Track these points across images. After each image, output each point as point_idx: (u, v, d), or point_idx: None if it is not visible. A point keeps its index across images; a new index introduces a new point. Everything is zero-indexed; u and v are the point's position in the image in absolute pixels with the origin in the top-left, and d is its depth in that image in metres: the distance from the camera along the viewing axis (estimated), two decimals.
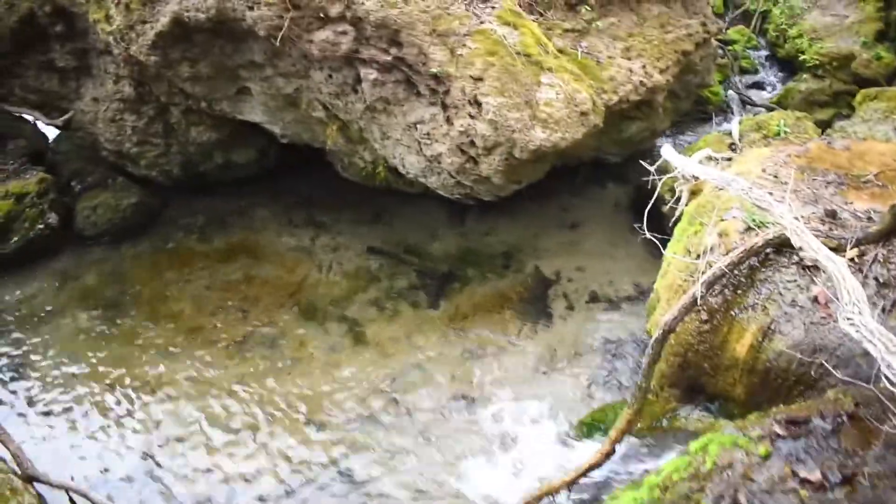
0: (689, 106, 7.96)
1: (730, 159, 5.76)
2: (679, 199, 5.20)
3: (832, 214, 4.31)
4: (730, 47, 9.92)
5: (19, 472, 4.10)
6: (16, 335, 6.10)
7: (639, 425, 4.45)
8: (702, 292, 4.00)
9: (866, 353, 3.50)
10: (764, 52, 10.38)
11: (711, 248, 4.28)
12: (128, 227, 7.30)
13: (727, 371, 4.23)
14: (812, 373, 3.73)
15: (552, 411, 5.18)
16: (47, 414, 5.33)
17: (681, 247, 4.72)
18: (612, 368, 5.48)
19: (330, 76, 5.91)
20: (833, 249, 3.76)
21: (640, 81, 6.23)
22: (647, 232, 4.34)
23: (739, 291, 4.15)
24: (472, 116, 5.42)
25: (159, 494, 4.75)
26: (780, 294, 4.00)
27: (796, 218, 3.84)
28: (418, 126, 5.72)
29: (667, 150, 5.22)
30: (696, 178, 4.94)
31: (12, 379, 5.65)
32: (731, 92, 9.28)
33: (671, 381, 4.59)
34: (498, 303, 6.19)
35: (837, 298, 3.43)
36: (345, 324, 6.08)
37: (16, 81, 7.46)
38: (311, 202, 7.55)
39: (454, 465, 4.86)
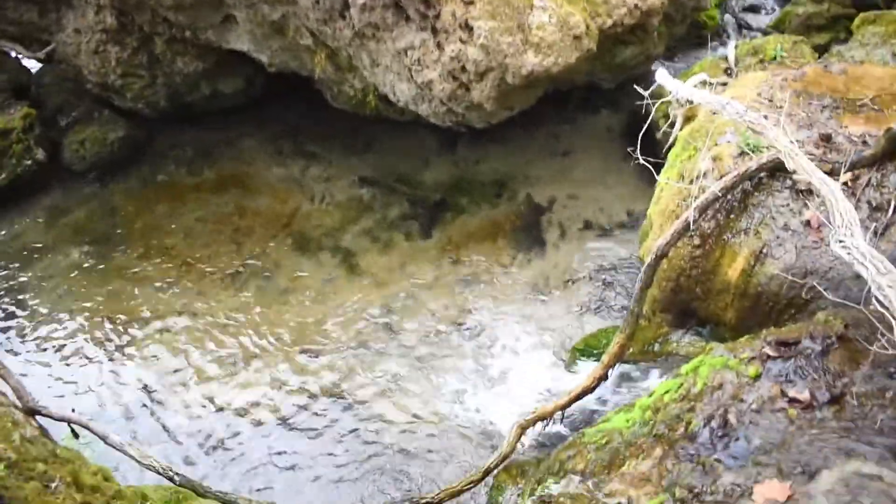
0: (685, 30, 7.80)
1: (725, 84, 5.69)
2: (673, 124, 5.14)
3: (827, 138, 4.28)
4: None
5: (20, 406, 4.14)
6: (8, 272, 6.09)
7: (631, 350, 4.50)
8: (695, 217, 4.00)
9: (857, 276, 3.53)
10: None
11: (705, 173, 4.26)
12: (116, 161, 7.22)
13: (719, 295, 4.27)
14: (803, 296, 3.76)
15: (545, 337, 5.24)
16: (43, 350, 5.38)
17: (674, 172, 4.70)
18: (604, 295, 5.52)
19: (317, 1, 5.77)
20: (827, 173, 3.74)
21: (635, 4, 6.08)
22: (640, 157, 4.30)
23: (732, 216, 4.16)
24: (463, 41, 5.31)
25: (157, 427, 4.84)
26: (773, 218, 4.00)
27: (791, 141, 3.81)
28: (408, 52, 5.61)
29: (661, 75, 5.13)
30: (691, 103, 4.87)
31: (7, 315, 5.68)
32: (727, 16, 9.09)
33: (663, 306, 4.64)
34: (491, 231, 6.19)
35: (830, 222, 3.43)
36: (338, 254, 6.08)
37: None
38: (300, 132, 7.46)
39: (448, 390, 4.94)
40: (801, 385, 2.94)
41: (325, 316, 5.53)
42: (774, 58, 6.32)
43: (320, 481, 4.46)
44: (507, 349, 5.18)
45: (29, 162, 6.86)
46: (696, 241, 4.26)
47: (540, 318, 5.39)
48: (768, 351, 3.11)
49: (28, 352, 5.36)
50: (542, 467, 3.74)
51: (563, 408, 4.28)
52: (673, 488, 2.77)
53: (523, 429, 4.21)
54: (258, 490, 4.42)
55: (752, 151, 4.18)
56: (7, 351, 5.32)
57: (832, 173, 3.79)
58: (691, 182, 4.31)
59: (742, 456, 2.77)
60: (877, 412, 2.75)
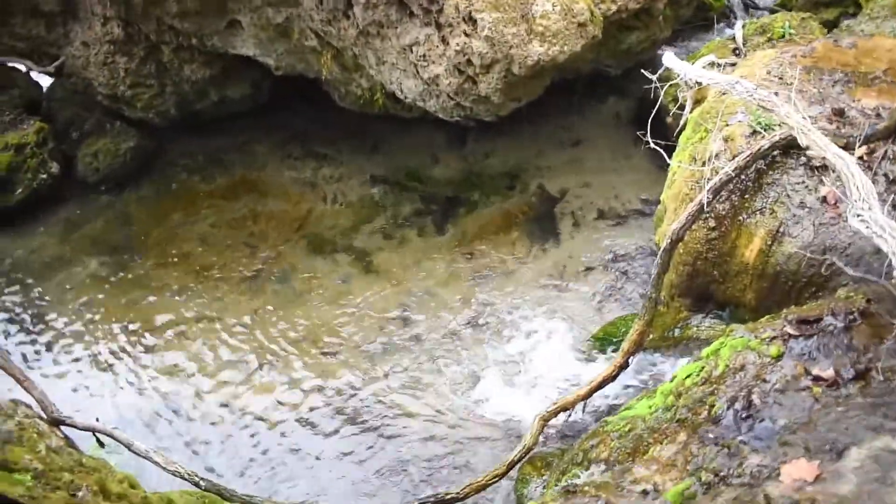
0: (691, 13, 7.74)
1: (734, 64, 5.64)
2: (683, 106, 5.10)
3: (840, 113, 4.23)
4: None
5: (45, 417, 4.18)
6: (29, 285, 6.14)
7: (651, 336, 4.47)
8: (709, 199, 3.97)
9: (877, 250, 3.49)
10: None
11: (717, 154, 4.23)
12: (129, 171, 7.25)
13: (737, 277, 4.23)
14: (822, 273, 3.72)
15: (564, 328, 5.22)
16: (65, 361, 5.41)
17: (686, 155, 4.66)
18: (621, 283, 5.50)
19: (320, 2, 5.77)
20: (842, 148, 3.69)
21: None
22: (651, 141, 4.27)
23: (747, 196, 4.12)
24: (467, 35, 5.30)
25: (180, 433, 4.85)
26: (789, 196, 3.97)
27: (803, 117, 3.77)
28: (413, 48, 5.60)
29: (668, 58, 5.09)
30: (700, 85, 4.84)
31: (29, 328, 5.71)
32: None
33: (681, 290, 4.60)
34: (504, 224, 6.17)
35: (847, 197, 3.39)
36: (353, 254, 6.09)
37: (2, 31, 7.31)
38: (309, 134, 7.46)
39: (469, 386, 4.93)
40: (824, 363, 2.90)
41: (342, 316, 5.53)
42: (783, 35, 6.26)
43: (344, 480, 4.46)
44: (525, 341, 5.17)
45: (44, 176, 6.89)
46: (712, 223, 4.22)
47: (557, 309, 5.36)
48: (790, 330, 3.08)
49: (50, 364, 5.40)
50: (566, 458, 3.73)
51: (585, 398, 4.26)
52: (698, 472, 2.74)
53: (545, 420, 4.20)
54: (282, 492, 4.43)
55: (765, 130, 4.14)
56: (29, 363, 5.36)
57: (847, 148, 3.74)
58: (704, 164, 4.28)
59: (768, 437, 2.74)
60: None
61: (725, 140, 4.32)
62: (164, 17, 6.50)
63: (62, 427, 3.94)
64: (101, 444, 4.33)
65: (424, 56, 5.60)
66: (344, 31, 5.89)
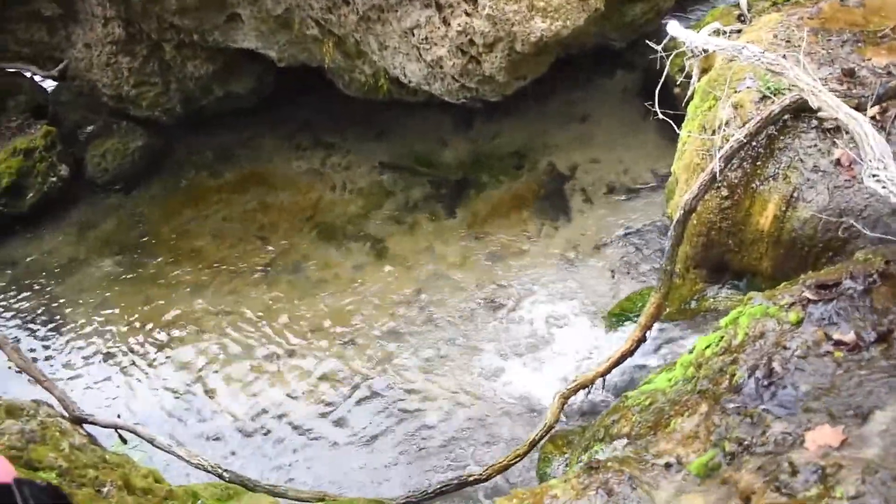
0: None
1: (739, 31, 5.55)
2: (690, 76, 5.03)
3: (850, 73, 4.15)
4: None
5: (67, 416, 4.21)
6: (46, 287, 6.19)
7: (667, 309, 4.44)
8: (720, 167, 3.91)
9: (895, 210, 3.44)
10: None
11: (727, 122, 4.16)
12: (138, 171, 7.29)
13: (752, 245, 4.18)
14: (839, 236, 3.67)
15: (580, 305, 5.19)
16: (84, 360, 5.46)
17: (695, 125, 4.60)
18: (635, 256, 5.46)
19: None
20: (854, 108, 3.63)
21: None
22: (659, 113, 4.21)
23: (759, 163, 4.06)
24: (468, 14, 5.25)
25: (200, 426, 4.88)
26: (801, 160, 3.90)
27: (813, 79, 3.70)
28: (415, 31, 5.56)
29: (673, 27, 5.01)
30: (706, 53, 4.76)
31: (48, 329, 5.76)
32: None
33: (696, 261, 4.56)
34: (515, 204, 6.14)
35: (861, 158, 3.34)
36: (365, 241, 6.08)
37: (6, 37, 7.33)
38: (315, 124, 7.45)
39: (486, 365, 4.92)
40: (845, 326, 2.86)
41: (358, 303, 5.53)
42: None
43: (365, 466, 4.48)
44: (541, 320, 5.15)
45: (54, 179, 6.94)
46: (724, 192, 4.17)
47: (572, 287, 5.34)
48: (809, 295, 3.03)
49: (70, 363, 5.44)
50: (587, 435, 3.72)
51: (604, 374, 4.24)
52: (722, 443, 2.72)
53: (565, 398, 4.19)
54: (307, 480, 4.45)
55: (774, 94, 4.07)
56: (49, 364, 5.40)
57: (859, 108, 3.67)
58: (714, 132, 4.21)
59: (790, 404, 2.71)
60: None
61: (735, 107, 4.26)
62: (163, 14, 6.48)
63: (84, 425, 3.97)
64: (124, 441, 4.37)
65: (426, 38, 5.55)
66: (344, 18, 5.86)
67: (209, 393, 5.09)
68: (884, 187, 2.91)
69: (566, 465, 3.83)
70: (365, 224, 6.25)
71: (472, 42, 5.39)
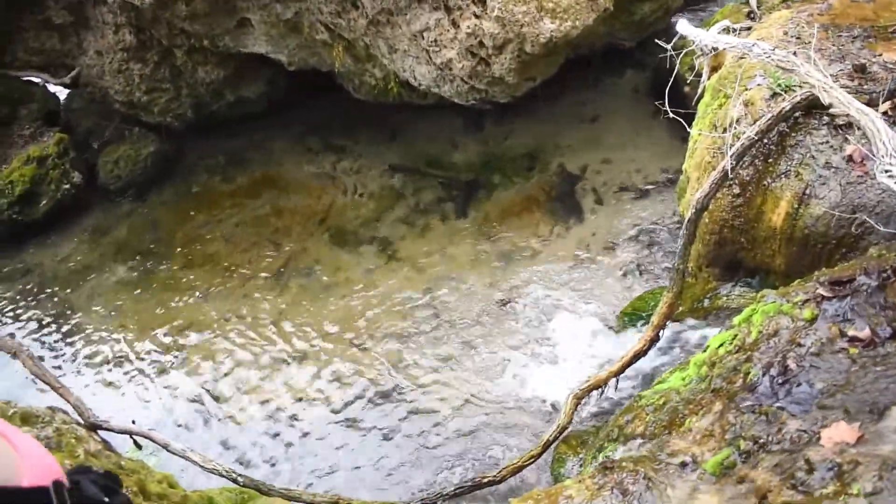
0: None
1: (749, 28, 5.53)
2: (700, 74, 5.02)
3: (861, 69, 4.13)
4: None
5: (82, 422, 4.23)
6: (60, 294, 6.23)
7: (680, 308, 4.42)
8: (732, 165, 3.90)
9: None
10: None
11: (738, 120, 4.15)
12: (150, 176, 7.33)
13: (765, 243, 4.16)
14: (852, 232, 3.65)
15: (592, 306, 5.18)
16: (99, 366, 5.49)
17: (706, 123, 4.59)
18: (647, 256, 5.44)
19: None
20: (865, 104, 3.61)
21: None
22: (669, 111, 4.20)
23: (770, 160, 4.04)
24: (477, 16, 5.26)
25: (214, 432, 4.90)
26: (813, 157, 3.88)
27: (824, 75, 3.68)
28: (424, 34, 5.57)
29: (682, 25, 5.01)
30: (716, 51, 4.75)
31: (62, 335, 5.80)
32: None
33: (708, 260, 4.54)
34: (526, 205, 6.14)
35: (873, 154, 3.32)
36: (377, 244, 6.09)
37: (18, 45, 7.39)
38: (325, 128, 7.47)
39: (499, 367, 4.91)
40: (860, 323, 2.85)
41: (371, 306, 5.54)
42: None
43: (382, 469, 4.48)
44: (554, 321, 5.14)
45: (67, 186, 6.98)
46: (736, 189, 4.15)
47: (584, 287, 5.33)
48: (822, 292, 3.02)
49: (84, 370, 5.47)
50: (601, 435, 3.71)
51: (617, 374, 4.23)
52: (737, 441, 2.71)
53: (578, 399, 4.17)
54: (321, 483, 4.45)
55: (785, 91, 4.06)
56: (63, 370, 5.44)
57: (871, 104, 3.66)
58: (725, 130, 4.20)
59: (806, 401, 2.69)
60: None
61: (745, 104, 4.24)
62: (174, 20, 6.52)
63: (99, 431, 3.99)
64: (139, 447, 4.38)
65: (436, 41, 5.56)
66: (354, 22, 5.88)
67: (222, 397, 5.11)
68: None
69: (580, 466, 3.82)
70: (376, 227, 6.26)
71: (481, 44, 5.40)
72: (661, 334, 4.23)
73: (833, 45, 4.40)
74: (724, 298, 4.51)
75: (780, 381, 2.81)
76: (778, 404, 2.73)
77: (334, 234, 6.28)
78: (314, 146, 7.33)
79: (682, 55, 4.93)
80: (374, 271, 5.85)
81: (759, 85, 4.31)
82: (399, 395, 4.90)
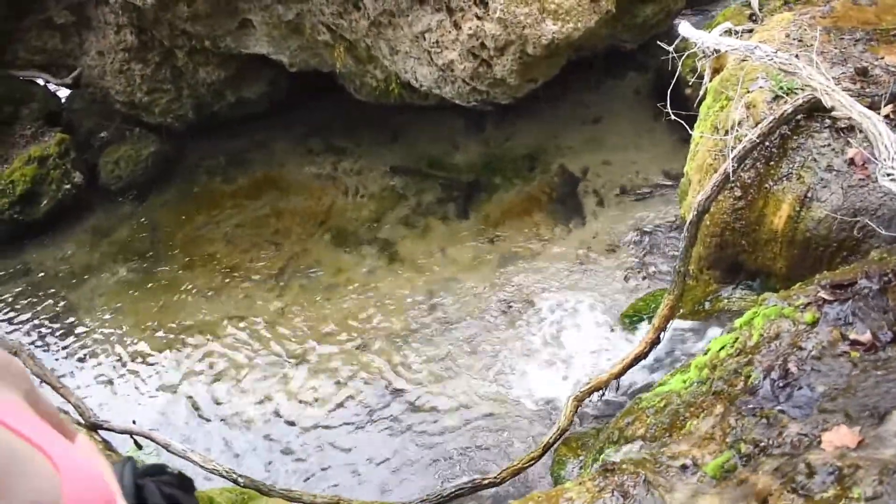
0: None
1: (751, 31, 5.53)
2: (701, 76, 5.02)
3: (863, 72, 4.13)
4: None
5: (83, 422, 4.24)
6: (60, 294, 6.22)
7: (681, 310, 4.42)
8: (733, 167, 3.89)
9: None
10: None
11: (740, 122, 4.14)
12: (151, 177, 7.33)
13: (766, 246, 4.16)
14: (854, 235, 3.64)
15: (593, 307, 5.18)
16: (100, 366, 5.49)
17: (708, 125, 4.58)
18: (648, 258, 5.44)
19: None
20: (867, 107, 3.61)
21: None
22: (671, 114, 4.20)
23: (772, 163, 4.04)
24: (479, 18, 5.25)
25: (214, 432, 4.89)
26: (815, 160, 3.88)
27: (826, 78, 3.68)
28: (426, 35, 5.56)
29: (684, 28, 5.01)
30: (717, 53, 4.75)
31: (62, 336, 5.79)
32: None
33: (710, 262, 4.54)
34: (527, 207, 6.14)
35: (875, 157, 3.32)
36: (377, 245, 6.09)
37: (19, 45, 7.39)
38: (326, 130, 7.47)
39: (500, 368, 4.91)
40: (861, 326, 2.84)
41: (371, 307, 5.54)
42: None
43: (381, 470, 4.47)
44: (554, 323, 5.13)
45: (68, 186, 6.98)
46: (738, 192, 4.15)
47: (585, 289, 5.32)
48: (824, 295, 3.01)
49: (85, 370, 5.47)
50: (601, 437, 3.70)
51: (618, 376, 4.23)
52: (738, 444, 2.70)
53: (579, 401, 4.17)
54: (321, 484, 4.45)
55: (787, 94, 4.05)
56: (64, 370, 5.43)
57: (872, 107, 3.65)
58: (726, 133, 4.20)
59: (806, 405, 2.69)
60: None
61: (747, 107, 4.24)
62: (175, 21, 6.52)
63: (100, 431, 3.99)
64: (139, 446, 4.39)
65: (437, 42, 5.56)
66: (355, 23, 5.87)
67: (222, 397, 5.10)
68: None
69: (581, 468, 3.81)
70: (377, 228, 6.26)
71: (483, 45, 5.40)
72: (661, 336, 4.24)
73: (835, 48, 4.40)
74: (725, 301, 4.50)
75: (781, 384, 2.80)
76: (779, 408, 2.72)
77: (335, 235, 6.27)
78: (315, 147, 7.32)
79: (683, 57, 4.94)
80: (374, 272, 5.85)
81: (760, 87, 4.31)
82: (399, 395, 4.89)
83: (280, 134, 7.57)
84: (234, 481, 3.91)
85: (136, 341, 5.63)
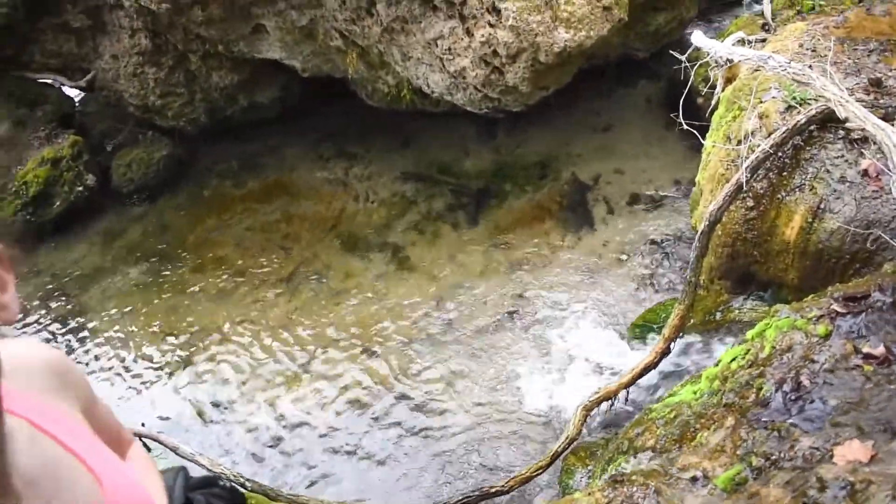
0: None
1: (764, 40, 5.52)
2: (714, 86, 5.01)
3: (877, 83, 4.11)
4: None
5: None
6: (72, 296, 6.25)
7: (692, 321, 4.40)
8: (746, 177, 3.88)
9: None
10: None
11: (752, 132, 4.13)
12: (163, 180, 7.35)
13: (778, 256, 4.14)
14: (867, 248, 3.62)
15: (603, 316, 5.16)
16: (109, 368, 5.50)
17: (720, 135, 4.57)
18: (659, 267, 5.42)
19: (343, 1, 5.77)
20: (881, 118, 3.59)
21: None
22: (683, 123, 4.19)
23: (785, 173, 4.02)
24: (491, 25, 5.26)
25: (222, 436, 4.89)
26: (828, 171, 3.86)
27: (840, 89, 3.67)
28: (438, 42, 5.58)
29: (697, 37, 5.00)
30: (730, 63, 4.74)
31: (72, 338, 5.82)
32: None
33: (721, 272, 4.52)
34: (538, 214, 6.13)
35: (889, 169, 3.30)
36: (387, 251, 6.09)
37: (34, 48, 7.43)
38: (338, 135, 7.48)
39: (510, 379, 4.90)
40: (874, 340, 2.82)
41: (380, 313, 5.54)
42: (813, 8, 6.11)
43: (389, 477, 4.47)
44: (564, 331, 5.12)
45: (80, 188, 7.01)
46: (750, 202, 4.13)
47: (595, 298, 5.31)
48: (837, 308, 3.00)
49: (94, 371, 5.49)
50: (610, 447, 3.68)
51: (627, 386, 4.21)
52: (749, 457, 2.68)
53: (588, 410, 4.16)
54: (328, 489, 4.45)
55: (800, 104, 4.04)
56: None
57: (887, 118, 3.64)
58: (739, 143, 4.19)
59: (819, 418, 2.67)
60: None
61: (760, 117, 4.23)
62: (189, 25, 6.55)
63: None
64: (148, 449, 4.39)
65: (450, 49, 5.57)
66: (368, 29, 5.89)
67: (230, 401, 5.11)
68: None
69: (589, 478, 3.79)
70: (387, 234, 6.26)
71: (495, 53, 5.40)
72: (672, 347, 4.22)
73: (849, 58, 4.38)
74: (736, 311, 4.49)
75: (793, 397, 2.79)
76: (791, 421, 2.71)
77: (345, 241, 6.28)
78: (326, 152, 7.34)
79: (696, 66, 4.93)
80: (384, 278, 5.85)
81: (773, 98, 4.29)
82: (407, 402, 4.89)
83: (292, 139, 7.59)
84: (242, 486, 3.91)
85: (145, 343, 5.65)
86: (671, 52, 4.91)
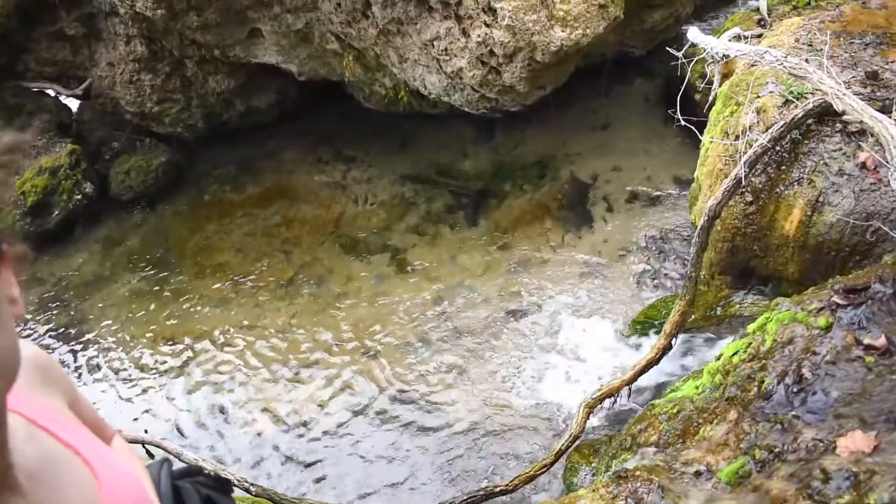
0: None
1: (760, 36, 5.52)
2: (711, 82, 5.01)
3: (874, 76, 4.12)
4: None
5: None
6: (72, 304, 6.25)
7: (693, 316, 4.40)
8: (745, 172, 3.88)
9: None
10: None
11: (750, 127, 4.13)
12: (161, 187, 7.34)
13: (778, 251, 4.14)
14: (867, 240, 3.63)
15: (604, 314, 5.16)
16: (111, 376, 5.49)
17: (718, 130, 4.57)
18: (659, 265, 5.42)
19: (339, 4, 5.78)
20: (878, 111, 3.60)
21: None
22: (681, 119, 4.20)
23: (783, 167, 4.02)
24: (487, 25, 5.26)
25: (225, 441, 4.89)
26: (826, 164, 3.87)
27: (837, 82, 3.67)
28: (435, 43, 5.58)
29: (693, 33, 5.01)
30: (727, 58, 4.75)
31: (74, 346, 5.81)
32: None
33: (721, 268, 4.52)
34: (537, 213, 6.13)
35: (887, 161, 3.30)
36: (387, 253, 6.09)
37: (30, 56, 7.43)
38: (336, 138, 7.48)
39: (511, 376, 4.90)
40: (875, 331, 2.82)
41: (381, 315, 5.54)
42: (808, 2, 6.11)
43: (391, 478, 4.47)
44: (566, 329, 5.12)
45: (79, 197, 7.01)
46: (749, 197, 4.14)
47: (596, 295, 5.31)
48: (837, 299, 3.00)
49: (96, 379, 5.49)
50: (614, 444, 3.68)
51: (629, 382, 4.21)
52: (752, 450, 2.69)
53: (590, 408, 4.15)
54: (332, 492, 4.45)
55: (797, 98, 4.04)
56: (76, 380, 5.45)
57: (884, 110, 3.64)
58: (737, 138, 4.19)
59: (821, 410, 2.67)
60: None
61: (758, 112, 4.23)
62: (185, 31, 6.56)
63: None
64: (151, 456, 4.39)
65: (446, 50, 5.58)
66: (364, 32, 5.89)
67: (232, 406, 5.11)
68: None
69: (593, 475, 3.79)
70: (387, 236, 6.27)
71: (491, 53, 5.41)
72: (673, 343, 4.22)
73: (845, 52, 4.39)
74: (737, 306, 4.49)
75: (795, 389, 2.79)
76: (793, 413, 2.71)
77: (345, 244, 6.28)
78: (325, 155, 7.34)
79: (693, 63, 4.93)
80: (384, 280, 5.85)
81: (771, 92, 4.30)
82: (409, 403, 4.89)
83: (290, 143, 7.59)
84: (247, 490, 3.90)
85: (146, 350, 5.65)
86: (668, 49, 4.91)
